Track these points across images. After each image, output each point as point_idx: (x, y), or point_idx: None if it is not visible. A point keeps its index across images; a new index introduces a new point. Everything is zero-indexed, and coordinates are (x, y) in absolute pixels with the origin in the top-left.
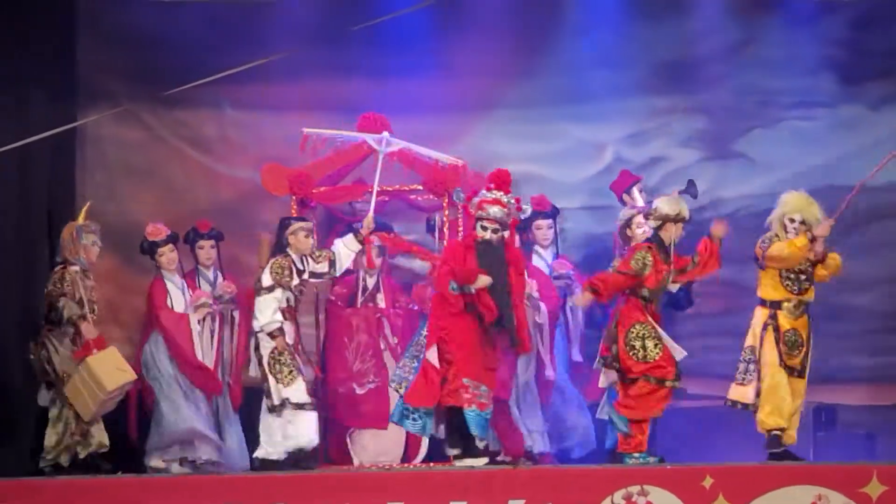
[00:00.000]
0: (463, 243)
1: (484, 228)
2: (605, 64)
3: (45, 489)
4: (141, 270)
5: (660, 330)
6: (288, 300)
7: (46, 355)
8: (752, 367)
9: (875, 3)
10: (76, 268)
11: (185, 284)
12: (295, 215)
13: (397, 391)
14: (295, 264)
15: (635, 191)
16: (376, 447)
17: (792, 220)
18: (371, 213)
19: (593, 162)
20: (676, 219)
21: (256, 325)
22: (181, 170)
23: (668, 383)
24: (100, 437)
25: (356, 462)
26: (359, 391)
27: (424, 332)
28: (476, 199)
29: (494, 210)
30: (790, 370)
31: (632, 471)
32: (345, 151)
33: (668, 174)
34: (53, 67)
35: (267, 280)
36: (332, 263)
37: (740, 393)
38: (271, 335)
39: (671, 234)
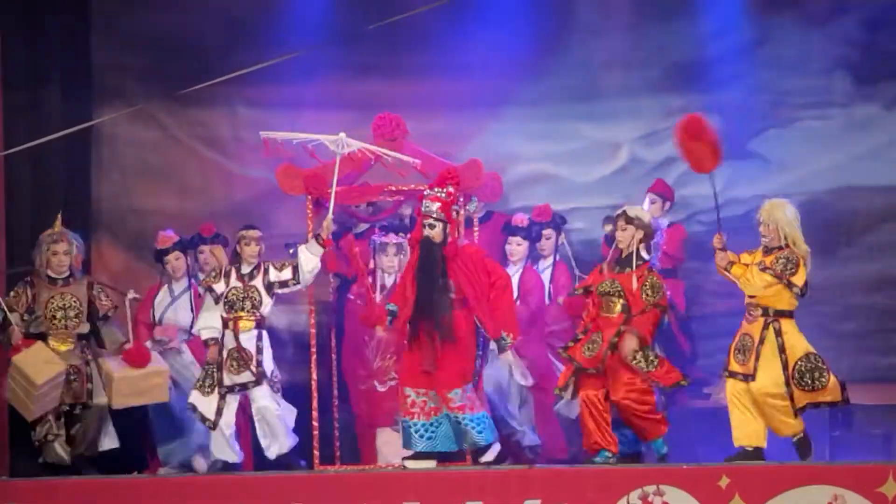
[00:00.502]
0: (411, 243)
1: (424, 225)
2: (618, 63)
3: (57, 489)
4: (156, 269)
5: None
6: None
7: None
8: None
9: (889, 2)
10: (28, 280)
11: (192, 293)
12: (311, 215)
13: None
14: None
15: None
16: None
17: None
18: (329, 216)
19: (608, 162)
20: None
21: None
22: (196, 169)
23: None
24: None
25: (381, 461)
26: (380, 388)
27: None
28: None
29: (426, 205)
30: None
31: (648, 470)
32: (360, 152)
33: (683, 174)
34: (68, 67)
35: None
36: (295, 270)
37: None
38: (206, 343)
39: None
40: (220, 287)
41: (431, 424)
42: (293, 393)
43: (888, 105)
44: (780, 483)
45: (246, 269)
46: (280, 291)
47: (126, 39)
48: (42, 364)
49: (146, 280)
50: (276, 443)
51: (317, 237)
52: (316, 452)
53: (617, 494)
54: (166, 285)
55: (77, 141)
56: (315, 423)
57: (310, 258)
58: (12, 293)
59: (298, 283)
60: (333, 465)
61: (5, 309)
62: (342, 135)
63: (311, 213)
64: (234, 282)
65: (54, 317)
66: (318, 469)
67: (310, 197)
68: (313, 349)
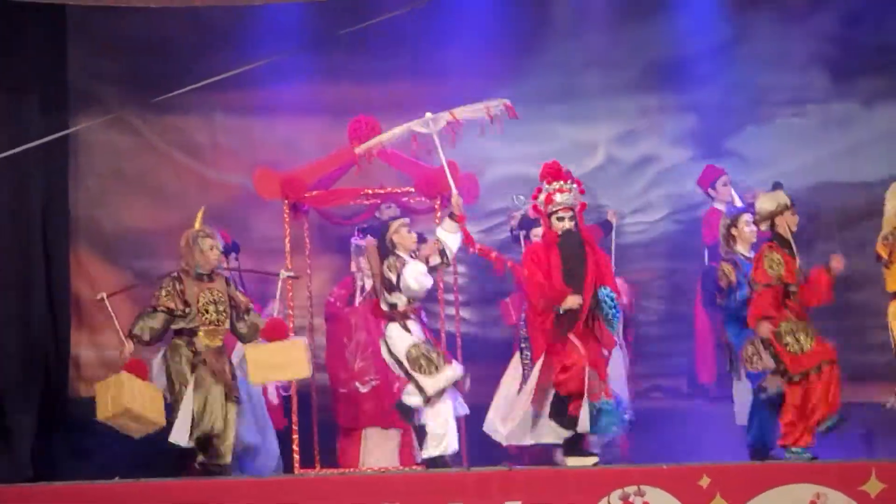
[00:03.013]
0: (544, 244)
1: (560, 219)
2: (595, 63)
3: (40, 496)
4: (136, 275)
5: None
6: None
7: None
8: None
9: None
10: (181, 277)
11: None
12: (287, 220)
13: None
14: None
15: (720, 185)
16: (384, 448)
17: None
18: (455, 192)
19: (585, 161)
20: (782, 209)
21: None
22: (173, 176)
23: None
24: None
25: (371, 462)
26: (362, 389)
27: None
28: (542, 196)
29: (564, 197)
30: None
31: (629, 471)
32: (337, 155)
33: (660, 173)
34: (45, 76)
35: (392, 276)
36: (442, 253)
37: None
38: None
39: (785, 225)
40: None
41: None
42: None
43: (866, 101)
44: (761, 482)
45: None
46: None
47: (102, 47)
48: (149, 402)
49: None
50: None
51: (451, 215)
52: (296, 456)
53: (598, 495)
54: None
55: (54, 148)
56: (295, 427)
57: (452, 238)
58: (163, 291)
59: (448, 263)
60: (314, 469)
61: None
62: (428, 114)
63: (287, 217)
64: None
65: (206, 311)
66: (299, 473)
67: (287, 201)
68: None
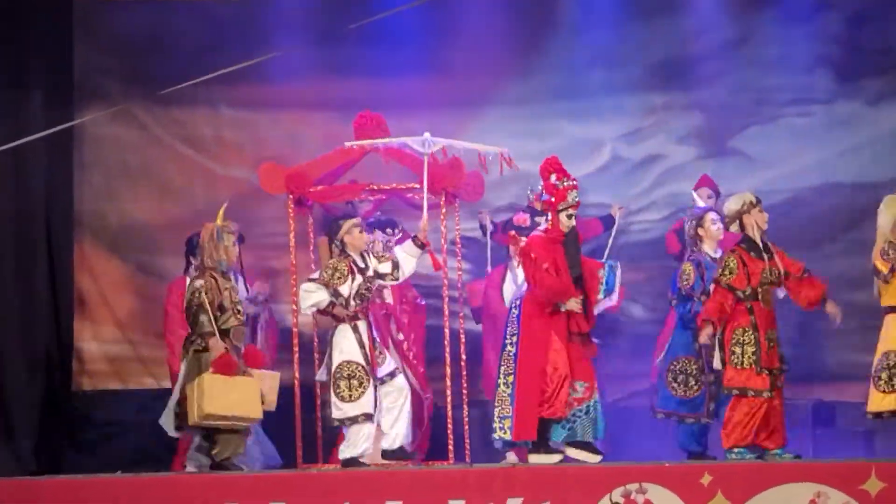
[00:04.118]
0: (548, 239)
1: (569, 217)
2: (600, 62)
3: (44, 489)
4: (139, 269)
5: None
6: (341, 301)
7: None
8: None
9: None
10: (211, 273)
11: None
12: (292, 215)
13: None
14: (356, 263)
15: (695, 193)
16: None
17: None
18: (425, 217)
19: (590, 160)
20: (748, 208)
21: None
22: (178, 169)
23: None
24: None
25: (367, 458)
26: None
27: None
28: (558, 191)
29: (574, 195)
30: None
31: (630, 469)
32: (342, 150)
33: (665, 171)
34: (50, 69)
35: (316, 274)
36: (395, 265)
37: (888, 400)
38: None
39: (753, 223)
40: (355, 280)
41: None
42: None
43: (870, 101)
44: (762, 481)
45: (360, 261)
46: (377, 281)
47: (108, 40)
48: (237, 400)
49: (127, 279)
50: None
51: (414, 238)
52: (299, 452)
53: (599, 492)
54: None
55: (59, 141)
56: (298, 423)
57: (409, 260)
58: (203, 290)
59: (397, 279)
60: (316, 465)
61: (218, 306)
62: (427, 135)
63: (292, 212)
64: (356, 275)
65: (237, 311)
66: (301, 468)
67: (291, 196)
68: (296, 349)
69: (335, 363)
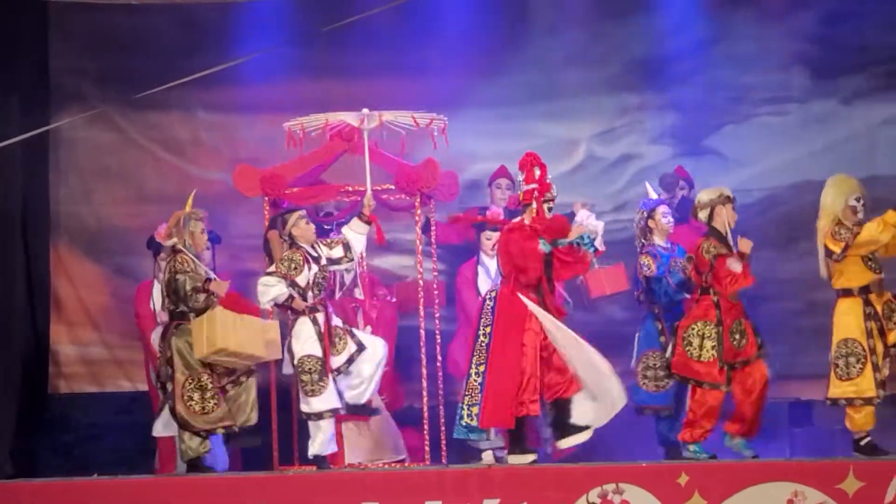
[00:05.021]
0: (532, 228)
1: (550, 209)
2: (575, 61)
3: (20, 492)
4: (116, 272)
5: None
6: (299, 292)
7: (169, 355)
8: (853, 360)
9: None
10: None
11: None
12: (268, 217)
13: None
14: (309, 253)
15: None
16: (366, 443)
17: (858, 200)
18: (369, 192)
19: (565, 159)
20: (723, 200)
21: (263, 300)
22: (154, 172)
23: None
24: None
25: (347, 459)
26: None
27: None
28: (543, 183)
29: (555, 189)
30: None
31: (607, 469)
32: (317, 152)
33: (640, 171)
34: (26, 72)
35: (273, 268)
36: (346, 247)
37: (854, 389)
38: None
39: (724, 218)
40: (311, 270)
41: None
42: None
43: (846, 100)
44: (740, 480)
45: (312, 251)
46: (332, 268)
47: (83, 43)
48: (245, 336)
49: (104, 282)
50: None
51: (359, 215)
52: (275, 453)
53: (576, 493)
54: (156, 280)
55: (35, 145)
56: (274, 424)
57: (358, 238)
58: (178, 263)
59: (352, 260)
60: (293, 466)
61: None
62: (365, 110)
63: (268, 214)
64: (312, 265)
65: (212, 295)
66: (278, 469)
67: (267, 198)
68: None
69: (297, 357)
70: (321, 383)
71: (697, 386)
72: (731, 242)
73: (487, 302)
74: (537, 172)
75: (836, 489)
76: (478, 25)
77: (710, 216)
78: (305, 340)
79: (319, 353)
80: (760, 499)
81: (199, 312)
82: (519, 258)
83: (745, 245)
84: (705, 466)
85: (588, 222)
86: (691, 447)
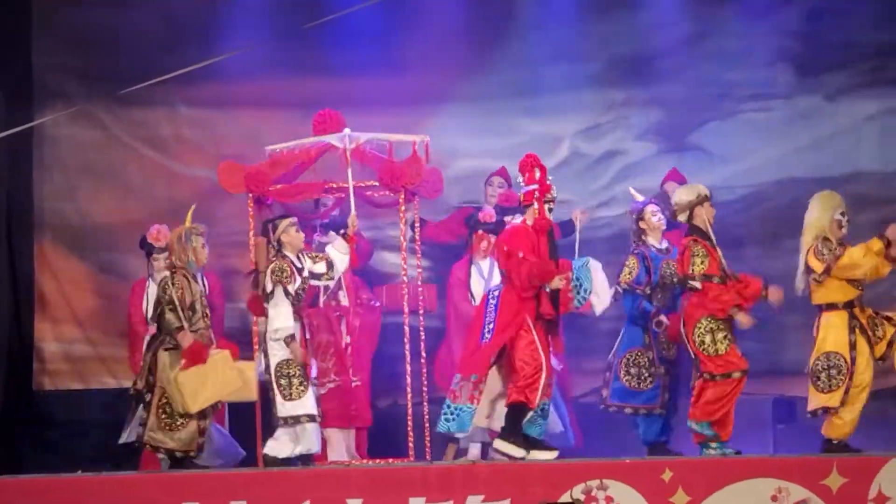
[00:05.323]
0: (533, 229)
1: (550, 210)
2: (559, 57)
3: (5, 489)
4: (100, 269)
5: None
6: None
7: (151, 364)
8: (835, 372)
9: None
10: (183, 272)
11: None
12: (252, 213)
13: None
14: (294, 264)
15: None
16: (343, 448)
17: (843, 215)
18: (353, 213)
19: (550, 156)
20: (701, 200)
21: (270, 329)
22: (138, 169)
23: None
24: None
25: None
26: (321, 391)
27: None
28: (543, 183)
29: (555, 190)
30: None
31: (591, 465)
32: (302, 149)
33: (625, 167)
34: (9, 69)
35: (269, 286)
36: (329, 265)
37: (826, 399)
38: (285, 341)
39: (704, 216)
40: (296, 283)
41: None
42: None
43: (830, 96)
44: (723, 476)
45: (297, 261)
46: (312, 282)
47: (67, 40)
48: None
49: (88, 279)
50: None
51: (343, 235)
52: (259, 450)
53: (561, 489)
54: (151, 279)
55: (19, 142)
56: (258, 421)
57: (341, 258)
58: (173, 285)
59: (332, 278)
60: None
61: (188, 306)
62: (347, 130)
63: (252, 210)
64: (296, 275)
65: (206, 314)
66: (262, 467)
67: (251, 195)
68: (256, 347)
69: (275, 361)
70: (301, 388)
71: (726, 378)
72: (713, 239)
73: (490, 300)
74: (538, 173)
75: (819, 485)
76: (461, 21)
77: (690, 216)
78: (283, 347)
79: (299, 357)
80: (744, 495)
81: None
82: (504, 265)
83: (776, 294)
84: (689, 462)
85: (597, 276)
86: (697, 424)
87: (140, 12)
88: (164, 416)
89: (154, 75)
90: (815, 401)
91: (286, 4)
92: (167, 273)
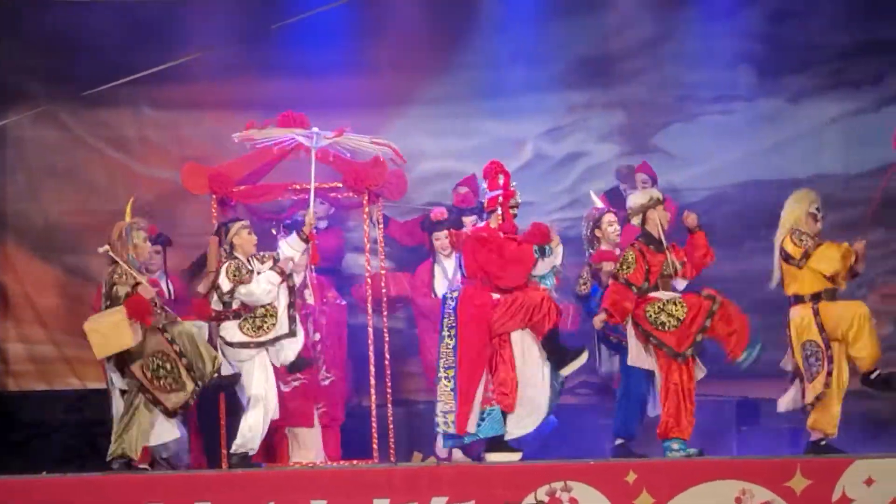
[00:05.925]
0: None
1: (515, 216)
2: (522, 59)
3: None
4: (64, 270)
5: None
6: (227, 301)
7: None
8: (814, 360)
9: None
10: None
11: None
12: (215, 215)
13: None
14: (245, 266)
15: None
16: (309, 447)
17: (818, 210)
18: (311, 210)
19: (512, 158)
20: (654, 203)
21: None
22: (102, 170)
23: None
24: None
25: (291, 461)
26: (284, 388)
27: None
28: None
29: (519, 195)
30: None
31: (556, 466)
32: (265, 149)
33: (588, 169)
34: None
35: (227, 285)
36: (275, 262)
37: (814, 388)
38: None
39: (657, 220)
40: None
41: None
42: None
43: (792, 98)
44: (687, 478)
45: (247, 264)
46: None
47: (30, 41)
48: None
49: (52, 279)
50: None
51: (299, 232)
52: (224, 451)
53: (524, 490)
54: None
55: None
56: (223, 422)
57: (294, 254)
58: (116, 275)
59: (290, 277)
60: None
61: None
62: (315, 129)
63: (215, 212)
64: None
65: (163, 309)
66: (227, 468)
67: (214, 196)
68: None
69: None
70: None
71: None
72: (665, 243)
73: (448, 302)
74: (501, 179)
75: (783, 487)
76: (424, 23)
77: (643, 220)
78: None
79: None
80: (708, 497)
81: None
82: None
83: (692, 219)
84: (653, 464)
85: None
86: (674, 444)
87: (105, 13)
88: (161, 381)
89: (119, 76)
90: (809, 394)
91: (251, 5)
92: (110, 268)
